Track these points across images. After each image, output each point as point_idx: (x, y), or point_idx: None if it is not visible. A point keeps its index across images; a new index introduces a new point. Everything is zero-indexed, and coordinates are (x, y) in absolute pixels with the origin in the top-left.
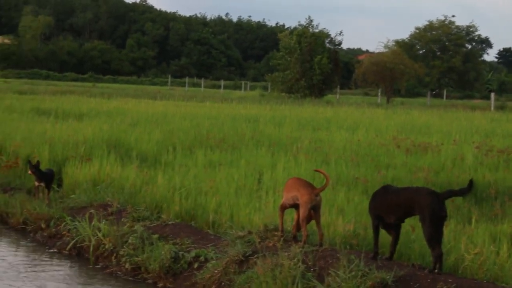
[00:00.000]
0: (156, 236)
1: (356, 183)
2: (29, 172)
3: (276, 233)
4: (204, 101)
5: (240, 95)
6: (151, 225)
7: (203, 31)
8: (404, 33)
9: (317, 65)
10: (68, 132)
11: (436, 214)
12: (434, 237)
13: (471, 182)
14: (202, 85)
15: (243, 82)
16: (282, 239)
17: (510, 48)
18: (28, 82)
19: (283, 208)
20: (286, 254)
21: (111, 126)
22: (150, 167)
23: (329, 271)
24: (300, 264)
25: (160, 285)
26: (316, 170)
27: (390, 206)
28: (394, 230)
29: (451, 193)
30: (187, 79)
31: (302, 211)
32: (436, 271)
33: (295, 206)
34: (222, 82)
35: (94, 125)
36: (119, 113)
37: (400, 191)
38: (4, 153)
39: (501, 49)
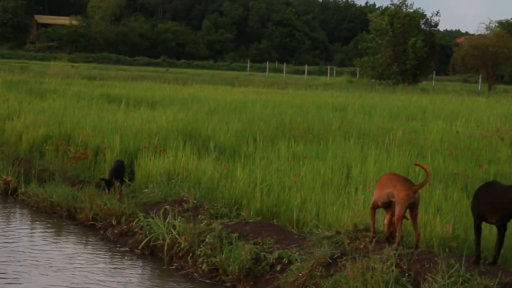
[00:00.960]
0: (235, 235)
1: (455, 179)
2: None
3: (367, 233)
4: (286, 88)
5: (326, 82)
6: (230, 223)
7: (286, 11)
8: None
9: (411, 49)
10: (140, 121)
11: None
12: None
13: None
14: (284, 71)
15: (329, 67)
16: (374, 240)
17: None
18: (97, 67)
19: (375, 206)
20: (378, 256)
21: (186, 115)
22: (229, 159)
23: (426, 276)
24: (393, 268)
25: None
26: (416, 164)
27: (493, 204)
28: (498, 231)
29: None
30: (267, 64)
31: (398, 210)
32: None
33: (389, 204)
34: (306, 67)
35: (168, 114)
36: (194, 100)
37: (506, 188)
38: (73, 143)
39: None
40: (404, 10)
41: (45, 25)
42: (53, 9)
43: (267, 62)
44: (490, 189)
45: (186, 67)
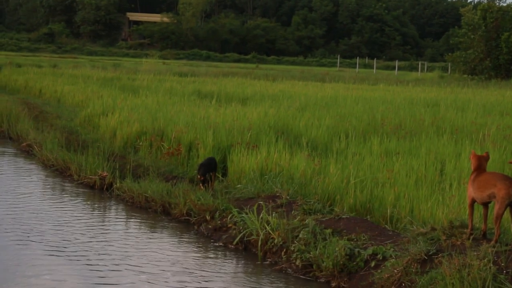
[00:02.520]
0: (329, 231)
1: None
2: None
3: (463, 230)
4: (377, 83)
5: (417, 77)
6: (323, 219)
7: (376, 6)
8: None
9: (504, 43)
10: (232, 117)
11: None
12: None
13: None
14: (374, 66)
15: (419, 63)
16: (471, 237)
17: None
18: (188, 64)
19: (473, 203)
20: (475, 253)
21: (278, 111)
22: (321, 155)
23: None
24: (491, 265)
25: (333, 284)
26: (510, 162)
27: None
28: None
29: None
30: (357, 60)
31: (498, 207)
32: None
33: (488, 203)
34: (397, 63)
35: (259, 110)
36: (285, 96)
37: None
38: (166, 139)
39: None
40: (497, 4)
41: (137, 23)
42: (144, 6)
43: (357, 57)
44: None
45: (276, 63)
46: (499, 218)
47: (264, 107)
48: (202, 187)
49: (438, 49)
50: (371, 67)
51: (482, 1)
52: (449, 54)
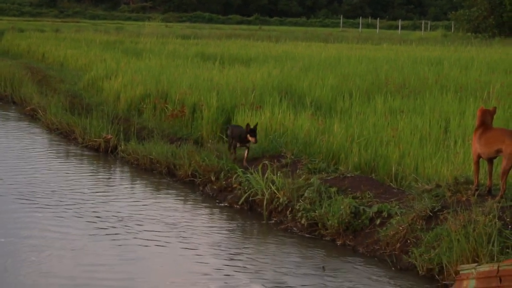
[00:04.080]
0: (334, 189)
1: None
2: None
3: (468, 186)
4: (380, 43)
5: (420, 36)
6: (328, 178)
7: None
8: None
9: (508, 1)
10: (236, 78)
11: None
12: None
13: None
14: (378, 26)
15: (423, 22)
16: (476, 192)
17: None
18: (191, 26)
19: (478, 159)
20: (481, 209)
21: (281, 72)
22: (325, 115)
23: None
24: (496, 220)
25: (339, 242)
26: None
27: None
28: None
29: None
30: (360, 20)
31: (505, 163)
32: None
33: (494, 158)
34: (400, 22)
35: (262, 71)
36: (288, 57)
37: None
38: (170, 101)
39: None
40: None
41: None
42: None
43: (360, 17)
44: None
45: (279, 24)
46: (505, 173)
47: (267, 68)
48: (232, 153)
49: (441, 7)
50: (374, 27)
51: None
52: (453, 12)
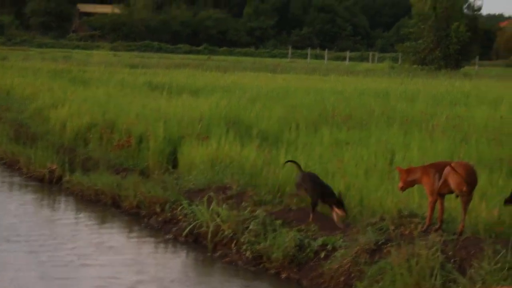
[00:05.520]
0: (279, 222)
1: (500, 164)
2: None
3: (411, 219)
4: (328, 74)
5: (367, 68)
6: (274, 210)
7: None
8: None
9: (453, 33)
10: (183, 108)
11: None
12: None
13: None
14: (326, 57)
15: (370, 53)
16: (420, 227)
17: None
18: (139, 55)
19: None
20: (424, 243)
21: (229, 102)
22: (272, 146)
23: (472, 262)
24: (439, 254)
25: (283, 275)
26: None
27: None
28: None
29: None
30: (309, 51)
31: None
32: None
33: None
34: (348, 54)
35: (210, 101)
36: (236, 88)
37: None
38: (116, 131)
39: None
40: None
41: (88, 14)
42: None
43: (309, 48)
44: None
45: (228, 54)
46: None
47: (215, 98)
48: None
49: (388, 39)
50: (323, 57)
51: None
52: (400, 44)
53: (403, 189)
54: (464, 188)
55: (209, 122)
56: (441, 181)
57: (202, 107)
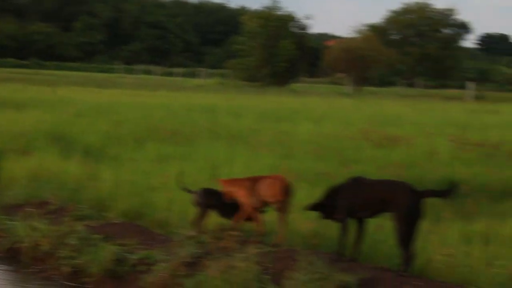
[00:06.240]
0: (99, 236)
1: (320, 178)
2: None
3: (230, 233)
4: (158, 89)
5: (197, 83)
6: (95, 225)
7: (159, 13)
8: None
9: (282, 51)
10: (6, 122)
11: (413, 213)
12: (408, 238)
13: (454, 185)
14: (156, 73)
15: (200, 70)
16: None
17: (490, 33)
18: None
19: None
20: (241, 255)
21: (54, 117)
22: (96, 161)
23: (287, 274)
24: (256, 266)
25: None
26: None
27: (367, 199)
28: (359, 227)
29: (432, 193)
30: (139, 66)
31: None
32: (404, 273)
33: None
34: (178, 70)
35: (35, 116)
36: (63, 102)
37: (376, 183)
38: None
39: (481, 35)
40: (276, 13)
41: None
42: None
43: (139, 64)
44: (361, 184)
45: (56, 68)
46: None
47: (40, 113)
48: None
49: (219, 56)
50: (153, 73)
51: (262, 9)
52: (229, 61)
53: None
54: (280, 200)
55: (33, 137)
56: (257, 194)
57: (25, 122)
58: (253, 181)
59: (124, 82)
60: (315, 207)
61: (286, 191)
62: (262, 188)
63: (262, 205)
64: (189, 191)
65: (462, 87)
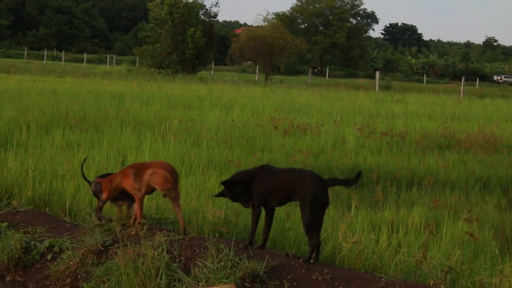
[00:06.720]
0: (5, 224)
1: (229, 166)
2: None
3: (140, 220)
4: (64, 76)
5: (105, 70)
6: (0, 213)
7: None
8: (285, 6)
9: (190, 39)
10: None
11: (318, 201)
12: (314, 225)
13: (359, 174)
14: (63, 59)
15: (108, 56)
16: (145, 226)
17: (396, 23)
18: None
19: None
20: (150, 243)
21: None
22: (1, 148)
23: (196, 262)
24: (164, 254)
25: (8, 278)
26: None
27: (275, 188)
28: (267, 214)
29: (336, 182)
30: (45, 52)
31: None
32: (311, 261)
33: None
34: (85, 56)
35: None
36: None
37: (282, 172)
38: None
39: (387, 25)
40: (184, 0)
41: None
42: None
43: (45, 49)
44: (269, 173)
45: None
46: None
47: None
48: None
49: (127, 42)
50: (60, 59)
51: None
52: (137, 48)
53: (109, 198)
54: (169, 185)
55: None
56: (144, 181)
57: None
58: (135, 168)
59: (30, 68)
60: (222, 193)
61: (173, 176)
62: (150, 177)
63: (148, 192)
64: (87, 181)
65: (370, 76)
